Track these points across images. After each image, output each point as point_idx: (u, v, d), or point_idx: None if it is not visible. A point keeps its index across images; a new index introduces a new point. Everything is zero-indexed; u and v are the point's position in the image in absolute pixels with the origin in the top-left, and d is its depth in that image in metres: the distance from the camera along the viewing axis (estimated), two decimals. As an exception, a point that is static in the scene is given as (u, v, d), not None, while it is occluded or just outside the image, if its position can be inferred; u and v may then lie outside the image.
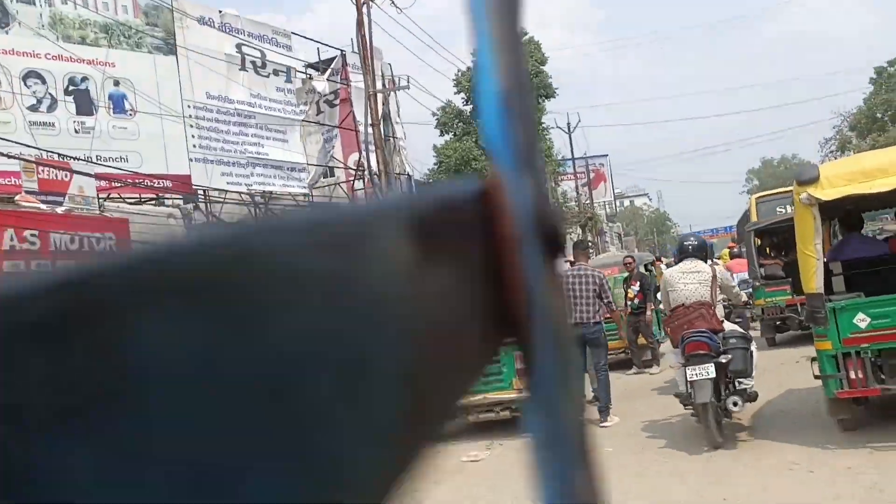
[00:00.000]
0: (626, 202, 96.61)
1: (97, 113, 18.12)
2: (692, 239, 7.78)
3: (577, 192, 47.32)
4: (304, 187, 25.55)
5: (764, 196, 15.41)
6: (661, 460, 6.72)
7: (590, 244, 49.14)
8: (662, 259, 33.72)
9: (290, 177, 25.30)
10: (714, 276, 7.21)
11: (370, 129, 22.80)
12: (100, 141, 17.84)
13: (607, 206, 70.45)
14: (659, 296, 13.65)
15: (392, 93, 32.29)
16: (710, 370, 6.62)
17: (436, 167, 41.09)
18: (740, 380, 7.00)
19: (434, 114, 42.09)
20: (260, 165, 23.93)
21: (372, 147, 30.96)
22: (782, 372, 9.92)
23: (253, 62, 23.89)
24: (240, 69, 23.32)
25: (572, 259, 8.86)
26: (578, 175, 52.40)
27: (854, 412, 6.50)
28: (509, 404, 8.02)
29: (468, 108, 41.47)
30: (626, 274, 12.36)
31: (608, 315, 11.28)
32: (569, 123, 45.35)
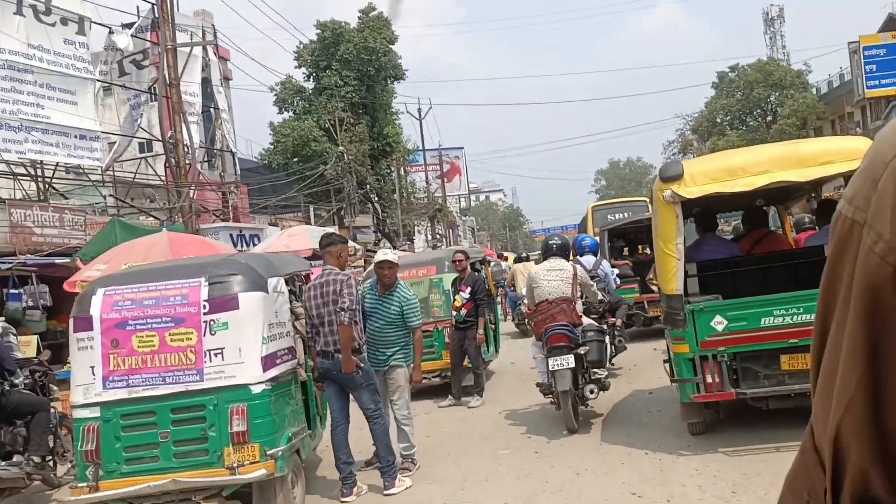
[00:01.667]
0: (482, 197, 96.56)
1: None
2: (556, 238, 7.95)
3: (427, 183, 45.09)
4: (98, 159, 21.20)
5: (598, 205, 17.89)
6: (522, 444, 6.89)
7: (439, 237, 47.08)
8: (506, 255, 32.01)
9: (78, 146, 20.86)
10: (575, 274, 7.42)
11: (176, 92, 19.02)
12: None
13: (462, 200, 69.42)
14: (521, 299, 13.33)
15: (217, 59, 28.43)
16: (570, 361, 6.93)
17: (272, 147, 37.48)
18: (595, 370, 7.34)
19: (272, 89, 38.54)
20: (38, 130, 19.45)
21: (191, 119, 27.08)
22: (637, 367, 10.04)
23: (33, 6, 19.42)
24: (14, 13, 18.85)
25: (322, 261, 6.10)
26: (432, 167, 50.44)
27: (705, 416, 6.46)
28: (219, 490, 5.14)
29: (310, 84, 38.16)
30: (454, 275, 9.53)
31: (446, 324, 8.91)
32: (419, 109, 42.94)
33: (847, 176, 5.83)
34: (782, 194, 7.63)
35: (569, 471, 5.90)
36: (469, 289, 9.19)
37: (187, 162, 18.81)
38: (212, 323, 5.17)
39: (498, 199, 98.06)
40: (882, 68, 24.37)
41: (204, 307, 5.19)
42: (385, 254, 6.63)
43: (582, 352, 7.10)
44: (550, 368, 6.97)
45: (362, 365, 5.75)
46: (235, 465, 5.02)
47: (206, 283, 5.24)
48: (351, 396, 5.96)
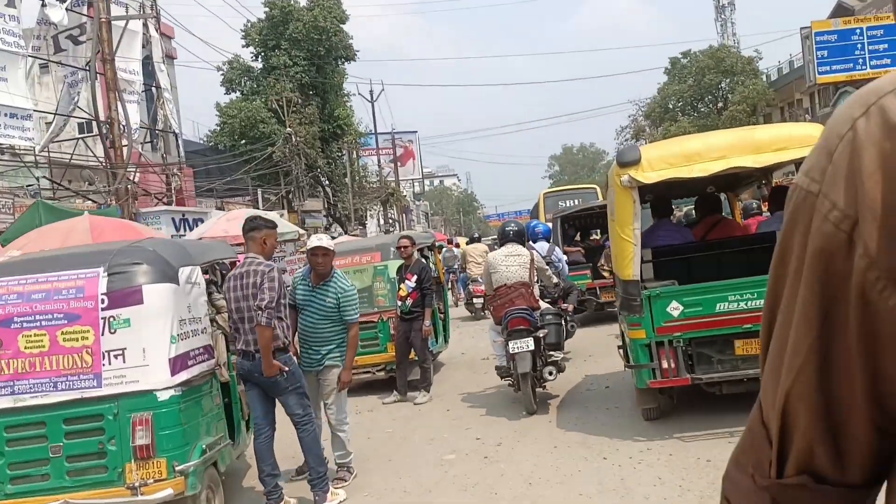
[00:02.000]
0: (437, 181, 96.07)
1: None
2: (513, 225, 8.10)
3: (379, 167, 44.28)
4: (31, 139, 19.97)
5: (550, 192, 18.62)
6: (471, 447, 6.50)
7: (392, 221, 46.34)
8: (457, 242, 31.24)
9: (8, 125, 19.63)
10: (532, 260, 7.58)
11: (111, 68, 17.92)
12: None
13: (416, 184, 68.78)
14: (476, 282, 14.41)
15: (158, 36, 27.15)
16: (530, 343, 7.08)
17: (218, 128, 36.22)
18: (552, 353, 7.49)
19: (219, 69, 37.26)
20: (-38, 107, 18.25)
21: (131, 98, 25.94)
22: (590, 354, 9.82)
23: (-44, -26, 18.11)
24: (-66, -19, 17.55)
25: (245, 248, 5.39)
26: (386, 150, 49.63)
27: (659, 402, 6.43)
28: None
29: (258, 64, 36.96)
30: (399, 262, 8.78)
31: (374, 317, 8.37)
32: (371, 91, 42.01)
33: (799, 162, 5.90)
34: (732, 181, 7.69)
35: (520, 480, 5.37)
36: (415, 277, 8.47)
37: (124, 143, 17.79)
38: (111, 320, 4.49)
39: (452, 184, 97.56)
40: (833, 54, 24.31)
41: (102, 301, 4.50)
42: (319, 239, 5.94)
43: (541, 335, 7.28)
44: (511, 351, 7.10)
45: (286, 368, 5.11)
46: (138, 483, 4.37)
47: (105, 274, 4.56)
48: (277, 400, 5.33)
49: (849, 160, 0.60)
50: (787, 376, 0.65)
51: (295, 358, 5.42)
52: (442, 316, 10.42)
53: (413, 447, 6.69)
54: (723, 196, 9.11)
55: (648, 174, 5.74)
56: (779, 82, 39.61)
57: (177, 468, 4.45)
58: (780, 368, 0.66)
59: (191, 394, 4.73)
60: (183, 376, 4.64)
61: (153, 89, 26.74)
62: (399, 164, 53.39)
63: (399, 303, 8.58)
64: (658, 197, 7.08)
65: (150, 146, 27.72)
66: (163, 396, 4.50)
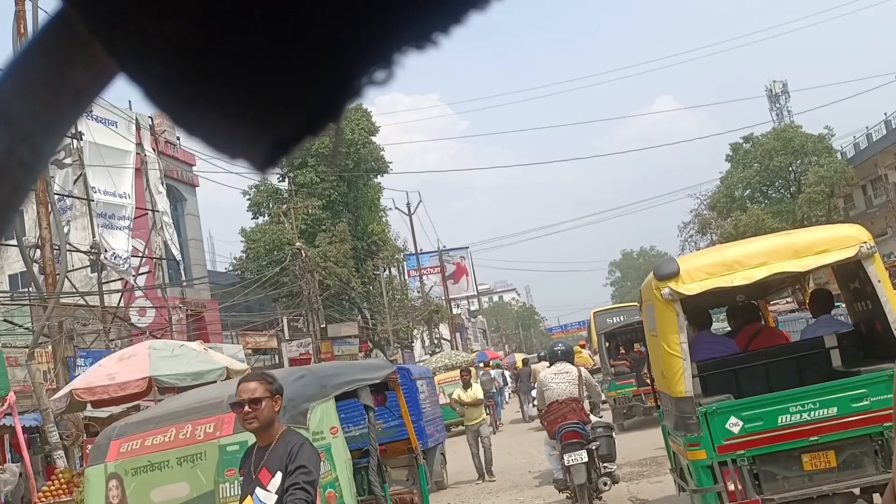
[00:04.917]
0: (496, 297, 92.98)
1: None
2: (560, 345, 8.93)
3: (421, 282, 41.12)
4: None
5: (599, 311, 21.75)
6: None
7: (438, 341, 42.55)
8: (524, 361, 25.61)
9: None
10: (580, 376, 8.26)
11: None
12: None
13: (471, 302, 65.69)
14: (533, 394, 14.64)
15: (156, 155, 25.07)
16: (583, 455, 7.68)
17: (244, 254, 34.02)
18: (606, 464, 8.05)
19: (245, 193, 35.56)
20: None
21: (121, 224, 23.78)
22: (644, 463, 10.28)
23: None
24: None
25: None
26: (432, 269, 46.84)
27: None
28: None
29: (284, 185, 35.06)
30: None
31: None
32: (409, 204, 39.43)
33: (841, 264, 5.82)
34: (762, 288, 7.49)
35: None
36: (277, 477, 3.32)
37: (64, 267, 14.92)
38: None
39: (511, 299, 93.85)
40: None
41: None
42: None
43: (593, 447, 7.79)
44: (566, 464, 7.66)
45: None
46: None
47: None
48: None
49: None
50: None
51: None
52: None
53: None
54: None
55: (689, 286, 5.70)
56: (857, 158, 35.47)
57: None
58: None
59: None
60: None
61: (153, 213, 24.46)
62: (452, 281, 50.48)
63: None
64: (696, 308, 6.70)
65: (155, 275, 25.21)
66: None
